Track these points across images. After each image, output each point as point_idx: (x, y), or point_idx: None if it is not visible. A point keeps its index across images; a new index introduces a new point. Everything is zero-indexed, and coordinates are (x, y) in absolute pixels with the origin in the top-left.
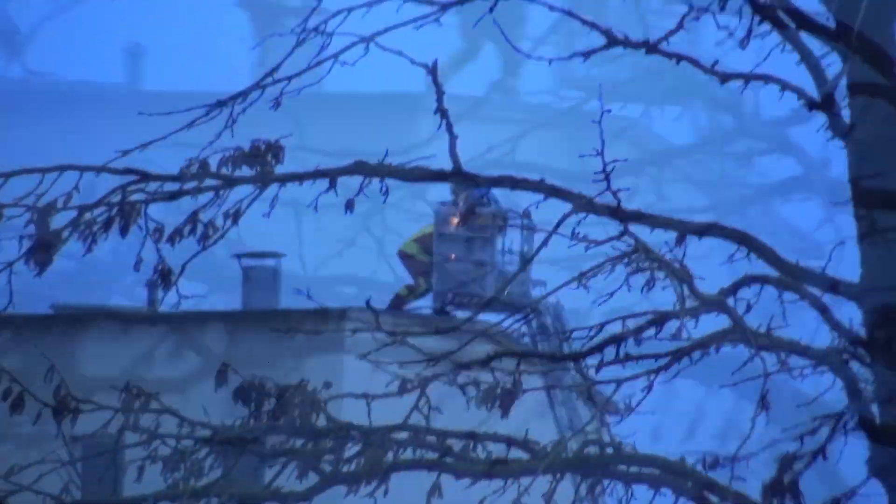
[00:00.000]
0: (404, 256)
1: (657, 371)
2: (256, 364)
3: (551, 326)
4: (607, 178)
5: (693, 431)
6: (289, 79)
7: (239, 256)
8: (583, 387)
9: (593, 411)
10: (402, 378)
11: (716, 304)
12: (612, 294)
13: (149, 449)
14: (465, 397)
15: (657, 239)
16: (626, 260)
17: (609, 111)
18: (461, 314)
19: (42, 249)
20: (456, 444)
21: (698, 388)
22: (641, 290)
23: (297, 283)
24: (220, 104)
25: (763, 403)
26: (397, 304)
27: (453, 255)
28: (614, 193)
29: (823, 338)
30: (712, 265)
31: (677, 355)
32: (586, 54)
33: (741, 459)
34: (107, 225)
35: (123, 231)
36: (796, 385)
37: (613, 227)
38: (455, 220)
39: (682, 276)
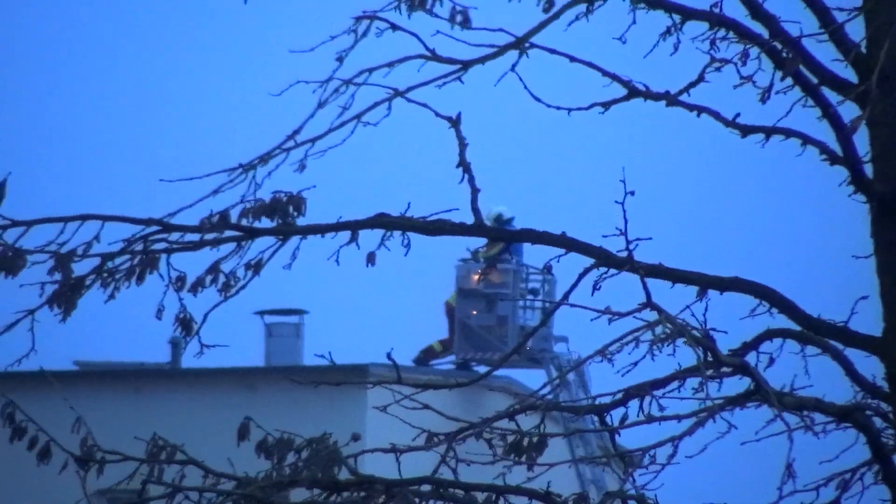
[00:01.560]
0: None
1: (681, 437)
2: (278, 421)
3: (573, 383)
4: (631, 257)
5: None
6: (312, 141)
7: (262, 313)
8: (609, 454)
9: (619, 467)
10: (429, 431)
11: (737, 366)
12: (636, 364)
13: (172, 502)
14: (489, 451)
15: (678, 293)
16: (649, 331)
17: (633, 193)
18: (483, 369)
19: (66, 294)
20: (479, 497)
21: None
22: (654, 356)
23: (324, 338)
24: (243, 167)
25: (789, 472)
26: (427, 357)
27: (475, 311)
28: (637, 269)
29: (847, 390)
30: (737, 314)
31: (701, 419)
32: (606, 105)
33: None
34: (130, 274)
35: (139, 279)
36: (818, 442)
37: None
38: (476, 277)
39: (703, 343)
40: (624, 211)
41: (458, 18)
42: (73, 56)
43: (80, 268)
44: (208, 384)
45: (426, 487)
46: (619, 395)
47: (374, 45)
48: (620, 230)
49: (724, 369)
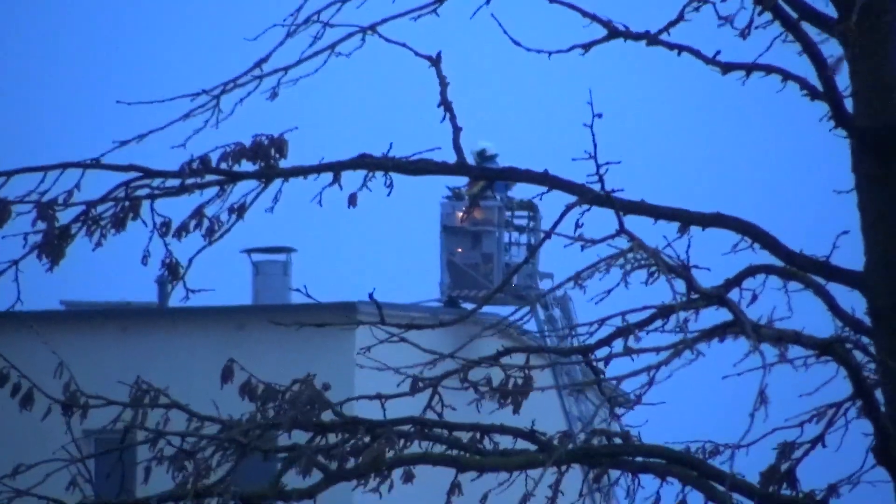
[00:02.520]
0: None
1: (657, 366)
2: (266, 360)
3: (559, 319)
4: (601, 181)
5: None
6: (285, 69)
7: (249, 251)
8: (591, 382)
9: (601, 404)
10: (414, 377)
11: (715, 298)
12: (608, 292)
13: (155, 449)
14: (475, 394)
15: (661, 230)
16: (621, 259)
17: (600, 116)
18: (470, 306)
19: (53, 243)
20: (462, 437)
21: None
22: (627, 284)
23: (313, 276)
24: (207, 92)
25: (762, 398)
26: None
27: (460, 249)
28: (608, 195)
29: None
30: (720, 250)
31: (677, 350)
32: (586, 46)
33: (741, 447)
34: (115, 222)
35: (120, 226)
36: (800, 375)
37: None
38: (461, 215)
39: (679, 272)
40: (593, 134)
41: None
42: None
43: (63, 217)
44: (196, 323)
45: (411, 427)
46: (605, 336)
47: None
48: (590, 154)
49: (703, 301)
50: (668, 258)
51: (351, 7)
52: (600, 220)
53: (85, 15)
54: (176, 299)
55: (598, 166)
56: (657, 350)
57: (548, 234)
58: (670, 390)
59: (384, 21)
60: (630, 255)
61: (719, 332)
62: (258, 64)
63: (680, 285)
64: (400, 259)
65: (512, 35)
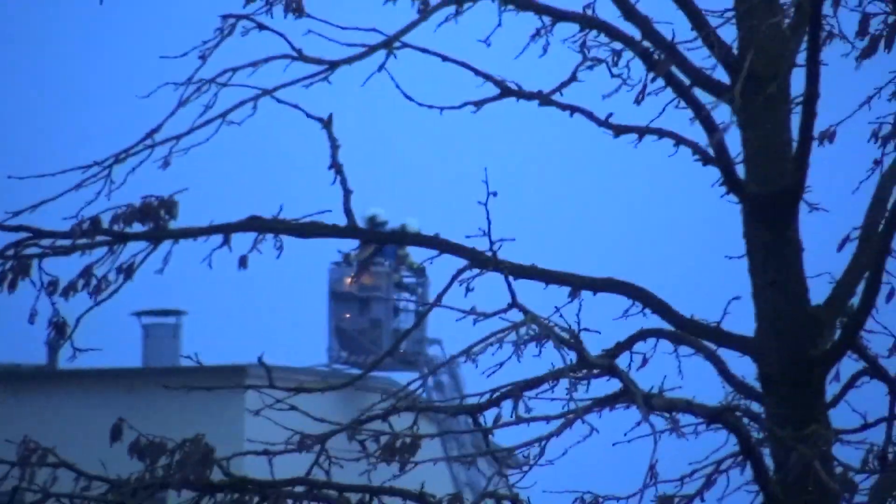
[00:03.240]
0: None
1: (548, 437)
2: (156, 422)
3: (447, 384)
4: (495, 257)
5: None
6: (176, 138)
7: (139, 314)
8: (480, 453)
9: (492, 468)
10: (301, 433)
11: (605, 367)
12: (501, 365)
13: None
14: (363, 453)
15: (552, 294)
16: (513, 332)
17: (495, 194)
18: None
19: None
20: (353, 498)
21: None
22: (519, 357)
23: (203, 338)
24: (98, 164)
25: (652, 474)
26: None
27: (348, 314)
28: (497, 260)
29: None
30: (611, 315)
31: (569, 420)
32: (478, 103)
33: (621, 500)
34: (2, 280)
35: (12, 286)
36: (691, 441)
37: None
38: (349, 280)
39: (569, 343)
40: (487, 212)
41: (293, 5)
42: None
43: None
44: (86, 386)
45: (300, 488)
46: (493, 396)
47: (241, 48)
48: (484, 231)
49: (593, 371)
50: (560, 329)
51: (242, 76)
52: (491, 284)
53: None
54: (65, 360)
55: (492, 243)
56: (547, 419)
57: (436, 301)
58: (562, 452)
59: (277, 88)
60: (523, 330)
61: (611, 401)
62: (150, 134)
63: (571, 356)
64: (289, 323)
65: (404, 94)
